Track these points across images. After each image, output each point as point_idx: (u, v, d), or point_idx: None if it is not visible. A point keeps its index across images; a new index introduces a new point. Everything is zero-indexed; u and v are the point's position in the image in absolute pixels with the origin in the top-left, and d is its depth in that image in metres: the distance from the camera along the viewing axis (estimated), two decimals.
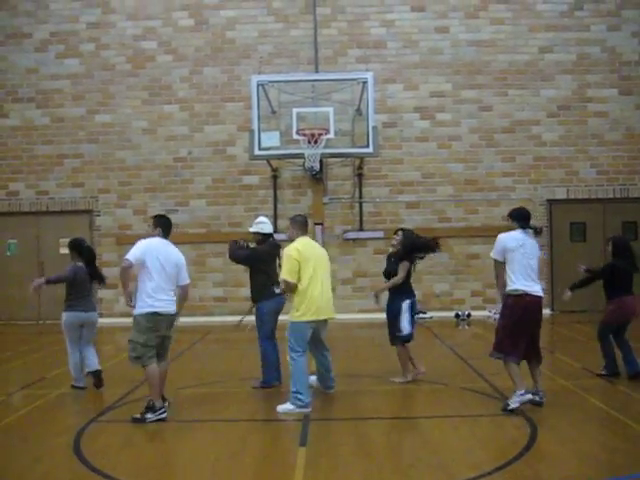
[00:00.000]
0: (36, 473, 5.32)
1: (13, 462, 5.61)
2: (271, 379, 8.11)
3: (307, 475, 5.12)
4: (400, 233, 8.42)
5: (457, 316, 15.22)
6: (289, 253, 7.12)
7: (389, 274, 8.38)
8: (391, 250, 8.55)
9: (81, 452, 5.74)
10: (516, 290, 6.76)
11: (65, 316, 8.43)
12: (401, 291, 8.26)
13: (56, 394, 8.09)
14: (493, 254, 6.93)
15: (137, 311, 6.82)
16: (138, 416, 6.73)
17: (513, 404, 6.72)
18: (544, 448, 5.67)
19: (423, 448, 5.85)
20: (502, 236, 6.93)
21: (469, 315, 15.17)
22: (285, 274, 7.11)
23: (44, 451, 5.84)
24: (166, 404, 6.90)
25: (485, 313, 15.03)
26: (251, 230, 8.42)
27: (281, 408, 6.94)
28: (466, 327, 14.36)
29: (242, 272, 15.14)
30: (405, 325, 8.16)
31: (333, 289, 15.58)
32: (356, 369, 9.43)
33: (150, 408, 6.75)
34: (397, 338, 8.24)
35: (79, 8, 16.35)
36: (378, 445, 5.91)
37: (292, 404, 6.91)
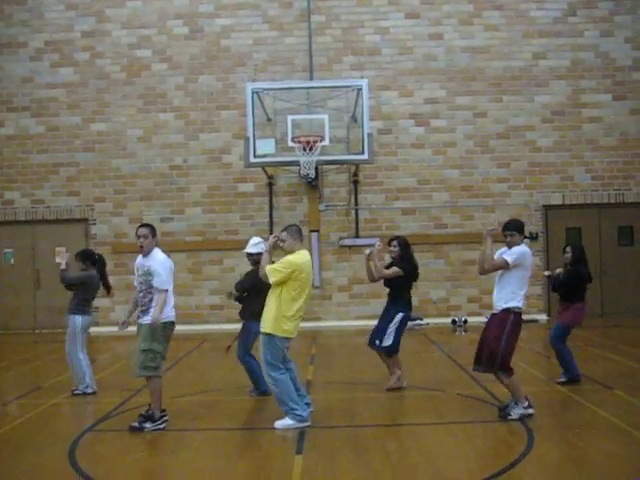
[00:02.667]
0: None
1: (8, 472, 5.57)
2: (266, 387, 8.07)
3: None
4: (396, 243, 8.37)
5: (454, 322, 15.22)
6: (295, 262, 6.60)
7: (390, 284, 8.36)
8: (390, 260, 8.53)
9: (76, 462, 5.71)
10: (520, 308, 6.75)
11: (82, 320, 8.53)
12: (398, 302, 8.27)
13: (51, 403, 8.06)
14: (511, 260, 6.63)
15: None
16: (136, 425, 6.70)
17: (515, 415, 6.68)
18: (541, 454, 5.65)
19: (420, 455, 5.83)
20: (529, 252, 6.83)
21: (466, 321, 15.17)
22: (273, 271, 6.53)
23: (39, 461, 5.81)
24: (166, 415, 6.89)
25: (482, 319, 15.01)
26: (252, 251, 8.08)
27: (279, 424, 6.65)
28: (463, 333, 14.35)
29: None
30: (390, 337, 8.13)
31: (329, 296, 15.82)
32: (352, 376, 9.42)
33: (149, 417, 6.72)
34: (377, 346, 8.25)
35: (74, 17, 16.36)
36: (374, 452, 5.89)
37: (292, 419, 6.64)
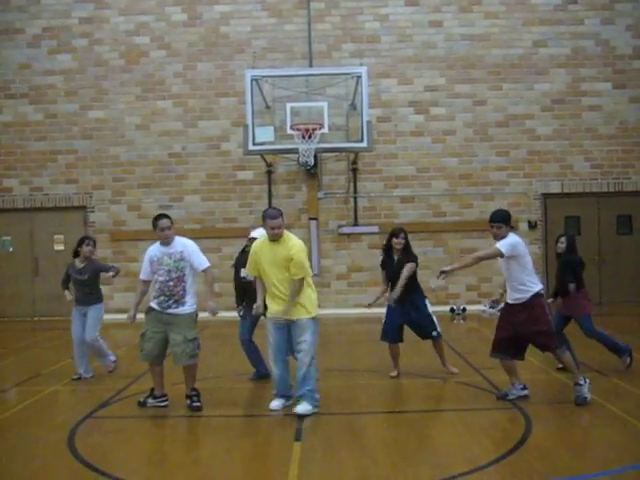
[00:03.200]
0: (31, 470, 5.31)
1: (8, 459, 5.59)
2: (265, 370, 8.18)
3: (302, 470, 5.12)
4: (404, 235, 8.33)
5: (452, 310, 15.25)
6: (303, 248, 6.81)
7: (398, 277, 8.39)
8: (382, 255, 8.55)
9: (75, 448, 5.73)
10: (542, 288, 6.90)
11: (103, 307, 8.80)
12: (417, 290, 8.45)
13: (51, 390, 8.08)
14: (506, 250, 6.67)
15: (194, 308, 7.13)
16: (198, 404, 6.92)
17: (588, 394, 6.77)
18: (539, 442, 5.67)
19: (418, 442, 5.86)
20: (519, 240, 6.88)
21: (464, 309, 15.19)
22: (307, 270, 6.77)
23: (39, 448, 5.84)
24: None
25: (480, 307, 15.04)
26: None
27: (301, 409, 6.65)
28: (461, 321, 14.38)
29: None
30: (437, 324, 8.41)
31: (328, 284, 15.83)
32: (351, 364, 9.45)
33: (198, 394, 7.01)
34: (435, 336, 8.39)
35: (71, 3, 16.25)
36: (373, 439, 5.91)
37: (310, 404, 6.70)
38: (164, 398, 7.10)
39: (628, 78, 16.06)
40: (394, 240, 8.34)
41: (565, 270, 8.32)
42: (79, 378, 8.55)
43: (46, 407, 7.38)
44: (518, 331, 6.80)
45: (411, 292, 8.35)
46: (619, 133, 16.03)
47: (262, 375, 8.23)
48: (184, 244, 7.03)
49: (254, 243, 7.11)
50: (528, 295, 6.77)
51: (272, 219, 6.65)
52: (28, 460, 5.52)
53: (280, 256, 6.68)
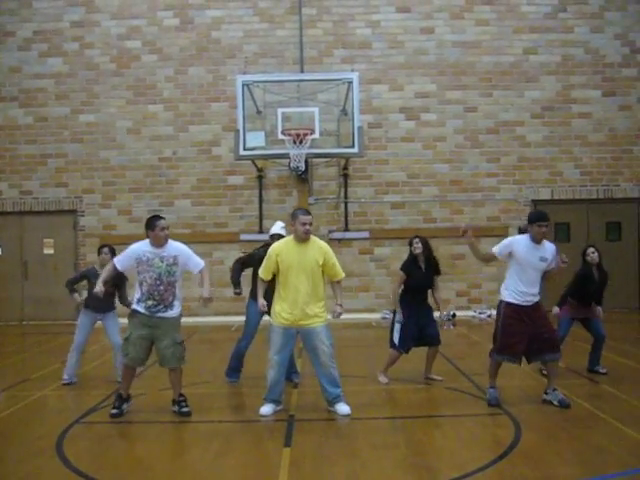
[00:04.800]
0: (18, 475, 5.27)
1: None
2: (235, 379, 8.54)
3: (292, 476, 5.12)
4: (417, 240, 8.53)
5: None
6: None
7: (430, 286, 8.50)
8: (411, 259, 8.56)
9: (64, 454, 5.70)
10: None
11: None
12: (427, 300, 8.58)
13: (39, 395, 8.03)
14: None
15: (180, 312, 7.02)
16: (186, 410, 6.90)
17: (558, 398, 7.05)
18: (528, 448, 5.69)
19: (407, 448, 5.86)
20: None
21: (454, 315, 15.20)
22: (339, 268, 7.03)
23: (27, 453, 5.79)
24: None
25: (470, 313, 15.09)
26: (284, 233, 8.25)
27: (346, 410, 6.84)
28: (451, 327, 14.37)
29: (227, 273, 15.13)
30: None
31: None
32: (340, 369, 9.40)
33: (186, 399, 6.98)
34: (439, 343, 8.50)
35: (63, 7, 16.22)
36: (362, 445, 5.91)
37: (347, 404, 6.94)
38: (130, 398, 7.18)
39: (617, 86, 16.18)
40: (413, 246, 8.43)
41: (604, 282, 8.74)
42: (69, 383, 8.51)
43: (35, 412, 7.33)
44: (536, 331, 6.90)
45: (426, 301, 8.44)
46: (608, 140, 16.14)
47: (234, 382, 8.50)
48: (178, 249, 6.92)
49: (275, 245, 7.01)
50: (539, 298, 7.05)
51: (304, 215, 6.73)
52: (16, 465, 5.49)
53: (310, 257, 6.75)
